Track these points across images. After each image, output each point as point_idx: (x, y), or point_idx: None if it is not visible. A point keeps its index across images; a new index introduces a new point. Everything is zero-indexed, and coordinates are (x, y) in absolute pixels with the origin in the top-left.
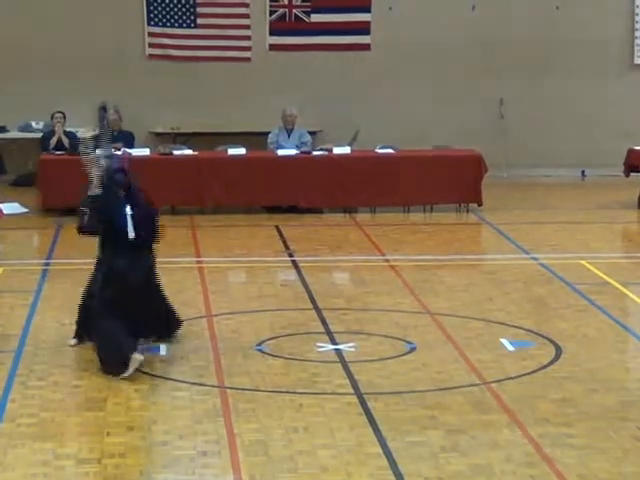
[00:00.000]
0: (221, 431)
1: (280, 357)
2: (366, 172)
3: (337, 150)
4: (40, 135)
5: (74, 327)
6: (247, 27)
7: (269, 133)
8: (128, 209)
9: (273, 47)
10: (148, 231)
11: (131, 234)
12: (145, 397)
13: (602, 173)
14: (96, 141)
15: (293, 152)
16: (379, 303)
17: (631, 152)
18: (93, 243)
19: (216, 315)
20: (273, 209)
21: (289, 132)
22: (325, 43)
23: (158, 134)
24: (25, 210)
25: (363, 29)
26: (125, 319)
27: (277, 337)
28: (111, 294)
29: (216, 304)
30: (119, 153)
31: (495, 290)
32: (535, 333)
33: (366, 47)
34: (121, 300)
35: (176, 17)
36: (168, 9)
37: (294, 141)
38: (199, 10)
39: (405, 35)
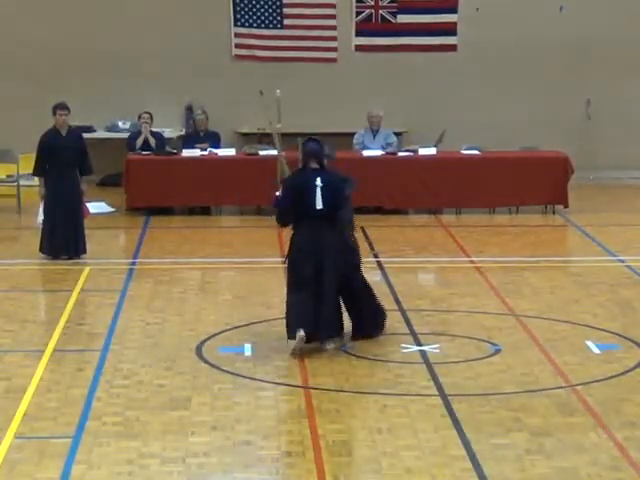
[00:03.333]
0: (305, 431)
1: (365, 358)
2: (451, 173)
3: (422, 151)
4: (127, 135)
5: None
6: (333, 28)
7: (355, 134)
8: (319, 181)
9: (359, 48)
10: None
11: (319, 205)
12: (229, 397)
13: None
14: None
15: (378, 153)
16: (464, 304)
17: None
18: (179, 242)
19: None
20: (358, 210)
21: (375, 133)
22: (411, 44)
23: (244, 134)
24: (111, 210)
25: (450, 30)
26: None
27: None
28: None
29: None
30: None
31: (581, 292)
32: (621, 336)
33: (452, 48)
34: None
35: (262, 18)
36: (255, 10)
37: (379, 142)
38: (285, 11)
39: (491, 36)
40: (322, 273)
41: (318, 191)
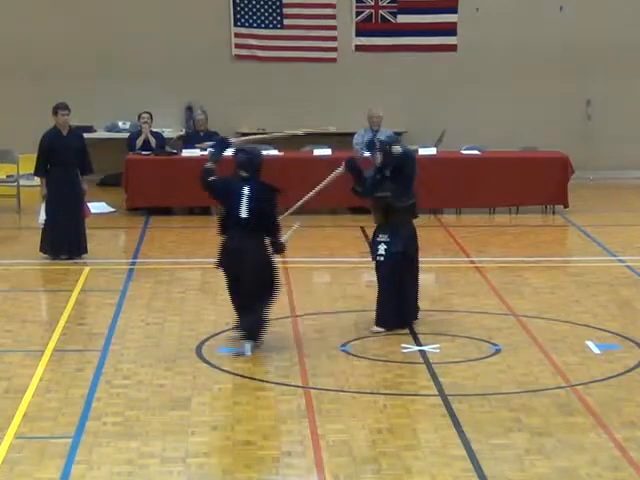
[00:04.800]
0: (305, 431)
1: (365, 358)
2: (451, 173)
3: (423, 151)
4: (127, 135)
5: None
6: (333, 28)
7: (355, 134)
8: (246, 190)
9: (359, 48)
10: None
11: (244, 214)
12: (229, 397)
13: None
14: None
15: None
16: (464, 304)
17: None
18: (179, 242)
19: (300, 315)
20: (358, 210)
21: (375, 133)
22: (411, 44)
23: (244, 134)
24: (112, 210)
25: (450, 30)
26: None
27: (362, 338)
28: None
29: (300, 304)
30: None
31: (581, 292)
32: (621, 336)
33: (452, 48)
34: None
35: (262, 18)
36: (255, 10)
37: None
38: (285, 11)
39: (492, 36)
40: (240, 281)
41: (244, 200)
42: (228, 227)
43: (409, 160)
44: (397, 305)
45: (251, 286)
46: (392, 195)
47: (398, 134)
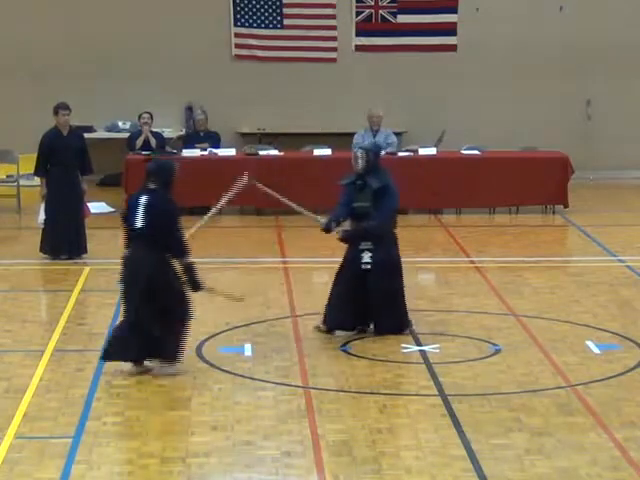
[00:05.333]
0: (305, 431)
1: (365, 358)
2: (451, 173)
3: (423, 151)
4: (127, 135)
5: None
6: (333, 28)
7: (355, 134)
8: (143, 199)
9: (359, 48)
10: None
11: (139, 224)
12: (229, 397)
13: None
14: None
15: None
16: (464, 304)
17: None
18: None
19: (300, 315)
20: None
21: (375, 133)
22: (411, 44)
23: (244, 134)
24: (111, 209)
25: (450, 30)
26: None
27: (362, 338)
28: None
29: (301, 304)
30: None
31: (581, 292)
32: (621, 336)
33: (452, 48)
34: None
35: (262, 18)
36: (255, 10)
37: (380, 142)
38: (285, 11)
39: (491, 36)
40: (134, 298)
41: (140, 209)
42: (128, 240)
43: (387, 193)
44: (397, 310)
45: (141, 303)
46: (371, 205)
47: (398, 134)
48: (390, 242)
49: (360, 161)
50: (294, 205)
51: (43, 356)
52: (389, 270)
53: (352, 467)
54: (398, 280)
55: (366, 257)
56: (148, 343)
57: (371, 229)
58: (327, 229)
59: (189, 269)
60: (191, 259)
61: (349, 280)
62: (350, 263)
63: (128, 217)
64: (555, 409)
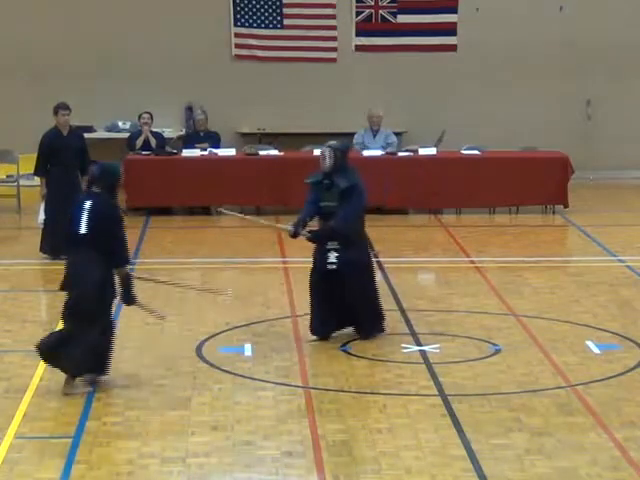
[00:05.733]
0: (305, 431)
1: (364, 358)
2: (451, 173)
3: (423, 151)
4: (127, 135)
5: None
6: (333, 28)
7: (355, 134)
8: (87, 204)
9: (359, 48)
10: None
11: (82, 229)
12: (229, 397)
13: None
14: None
15: (378, 153)
16: (464, 304)
17: None
18: (179, 242)
19: (300, 315)
20: None
21: (375, 133)
22: (411, 44)
23: (244, 134)
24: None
25: (450, 30)
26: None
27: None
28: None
29: (301, 304)
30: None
31: (581, 292)
32: (621, 336)
33: (452, 48)
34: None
35: (262, 18)
36: (255, 10)
37: (380, 142)
38: (285, 11)
39: (491, 36)
40: (70, 302)
41: (84, 215)
42: (70, 245)
43: (354, 193)
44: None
45: (76, 310)
46: (339, 205)
47: (398, 134)
48: (360, 242)
49: (328, 160)
50: (261, 221)
51: None
52: (361, 270)
53: (352, 467)
54: (371, 280)
55: (332, 257)
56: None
57: (338, 228)
58: (295, 234)
59: (127, 279)
60: (129, 269)
61: (319, 282)
62: (318, 263)
63: (72, 222)
64: (555, 409)
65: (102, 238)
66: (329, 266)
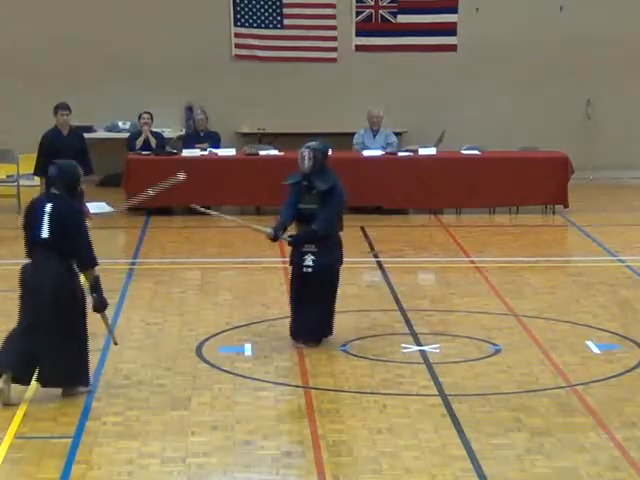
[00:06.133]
0: (305, 431)
1: (365, 358)
2: (451, 173)
3: (423, 151)
4: (127, 135)
5: None
6: (333, 28)
7: (355, 134)
8: (48, 207)
9: (359, 48)
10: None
11: (44, 234)
12: (229, 397)
13: None
14: None
15: (378, 153)
16: (464, 304)
17: None
18: (179, 242)
19: None
20: (358, 210)
21: (375, 133)
22: (411, 44)
23: (244, 134)
24: (111, 209)
25: (450, 30)
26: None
27: (362, 338)
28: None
29: None
30: None
31: (581, 292)
32: (621, 336)
33: (452, 48)
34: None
35: (262, 18)
36: (255, 10)
37: (380, 142)
38: (285, 11)
39: (492, 36)
40: (35, 311)
41: (45, 218)
42: (31, 250)
43: (334, 195)
44: (319, 319)
45: (36, 317)
46: (318, 208)
47: (398, 134)
48: (334, 245)
49: (307, 161)
50: (239, 220)
51: None
52: (329, 275)
53: (352, 467)
54: (333, 286)
55: (308, 260)
56: (29, 360)
57: (320, 231)
58: (275, 238)
59: (97, 283)
60: (97, 273)
61: (299, 287)
62: (296, 266)
63: (32, 226)
64: (555, 409)
65: (65, 241)
66: (305, 269)
